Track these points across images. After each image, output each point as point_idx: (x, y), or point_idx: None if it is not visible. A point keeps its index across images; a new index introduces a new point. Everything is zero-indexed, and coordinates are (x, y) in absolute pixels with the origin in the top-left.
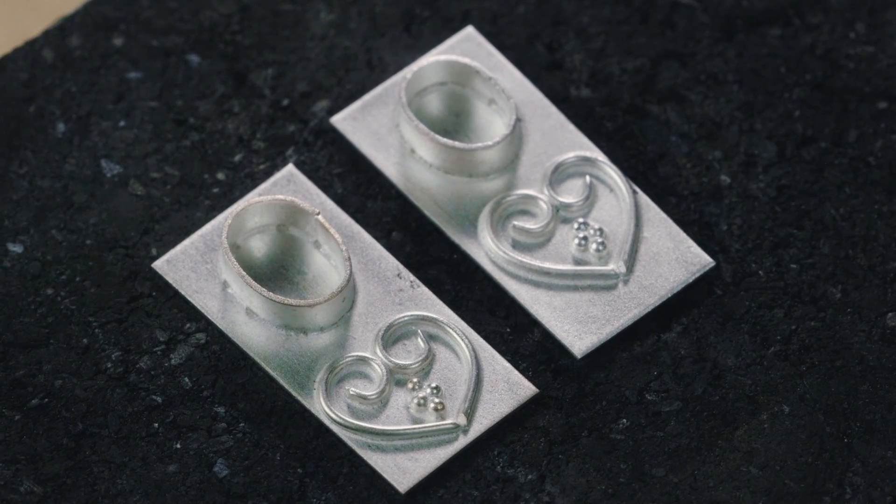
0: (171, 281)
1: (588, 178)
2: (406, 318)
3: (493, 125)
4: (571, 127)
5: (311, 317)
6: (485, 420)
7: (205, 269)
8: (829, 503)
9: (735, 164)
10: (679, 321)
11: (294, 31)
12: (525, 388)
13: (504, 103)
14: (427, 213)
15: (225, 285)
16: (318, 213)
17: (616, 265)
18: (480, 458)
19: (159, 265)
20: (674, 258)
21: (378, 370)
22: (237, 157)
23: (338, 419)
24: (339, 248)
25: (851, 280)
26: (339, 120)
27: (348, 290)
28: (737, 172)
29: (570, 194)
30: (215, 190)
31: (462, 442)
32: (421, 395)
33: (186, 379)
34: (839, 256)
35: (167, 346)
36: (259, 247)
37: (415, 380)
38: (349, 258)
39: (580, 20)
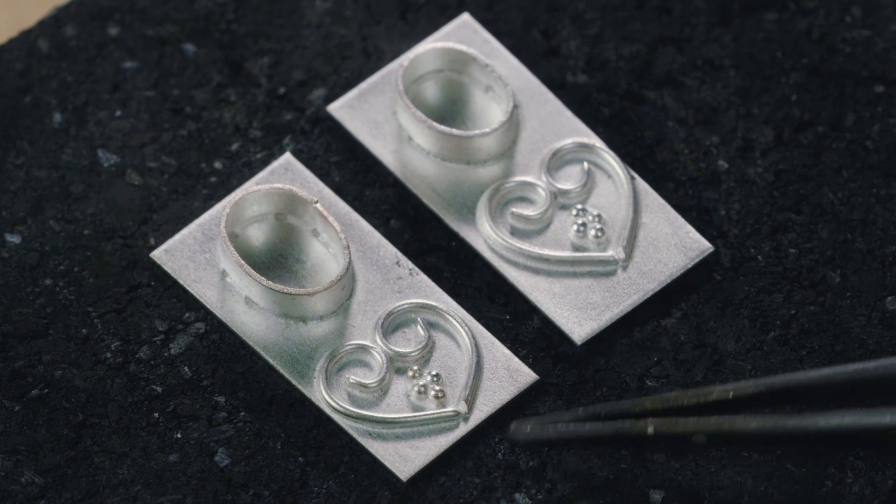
0: (169, 270)
1: (586, 165)
2: (405, 306)
3: (490, 112)
4: (569, 113)
5: (310, 305)
6: (485, 407)
7: (203, 259)
8: (831, 487)
9: (732, 149)
10: (678, 307)
11: (289, 20)
12: (525, 375)
13: (501, 90)
14: (425, 200)
15: (224, 274)
16: (317, 202)
17: (615, 251)
18: (481, 445)
19: (158, 255)
20: (672, 244)
21: (378, 358)
22: (234, 146)
23: (338, 408)
24: (337, 237)
25: (850, 264)
26: (336, 108)
27: (347, 279)
28: (734, 157)
29: (569, 181)
30: (213, 179)
31: (463, 429)
32: (421, 382)
33: (186, 368)
34: (838, 241)
35: (166, 335)
36: (257, 236)
37: (415, 367)
38: (348, 246)
39: (576, 6)
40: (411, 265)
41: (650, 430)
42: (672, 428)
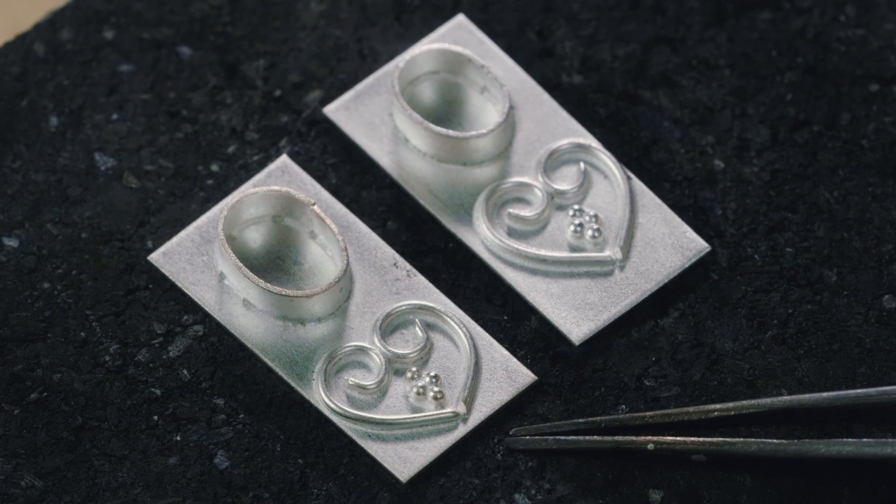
0: (167, 273)
1: (582, 165)
2: (403, 308)
3: (486, 113)
4: (564, 114)
5: (308, 307)
6: (484, 408)
7: (201, 261)
8: (829, 485)
9: (728, 149)
10: (676, 306)
11: (285, 22)
12: (524, 376)
13: (497, 91)
14: (422, 201)
15: (221, 277)
16: (314, 204)
17: (612, 251)
18: (480, 446)
19: (155, 258)
20: (669, 243)
21: (377, 360)
22: (231, 149)
23: (337, 409)
24: (335, 239)
25: (847, 263)
26: (332, 110)
27: (345, 280)
28: (730, 157)
29: (565, 181)
30: (210, 182)
31: (462, 430)
32: (420, 384)
33: (185, 371)
34: (834, 239)
35: (165, 338)
36: (255, 238)
37: (413, 369)
38: (345, 248)
39: (571, 7)
40: (409, 266)
41: (650, 446)
42: (672, 446)
